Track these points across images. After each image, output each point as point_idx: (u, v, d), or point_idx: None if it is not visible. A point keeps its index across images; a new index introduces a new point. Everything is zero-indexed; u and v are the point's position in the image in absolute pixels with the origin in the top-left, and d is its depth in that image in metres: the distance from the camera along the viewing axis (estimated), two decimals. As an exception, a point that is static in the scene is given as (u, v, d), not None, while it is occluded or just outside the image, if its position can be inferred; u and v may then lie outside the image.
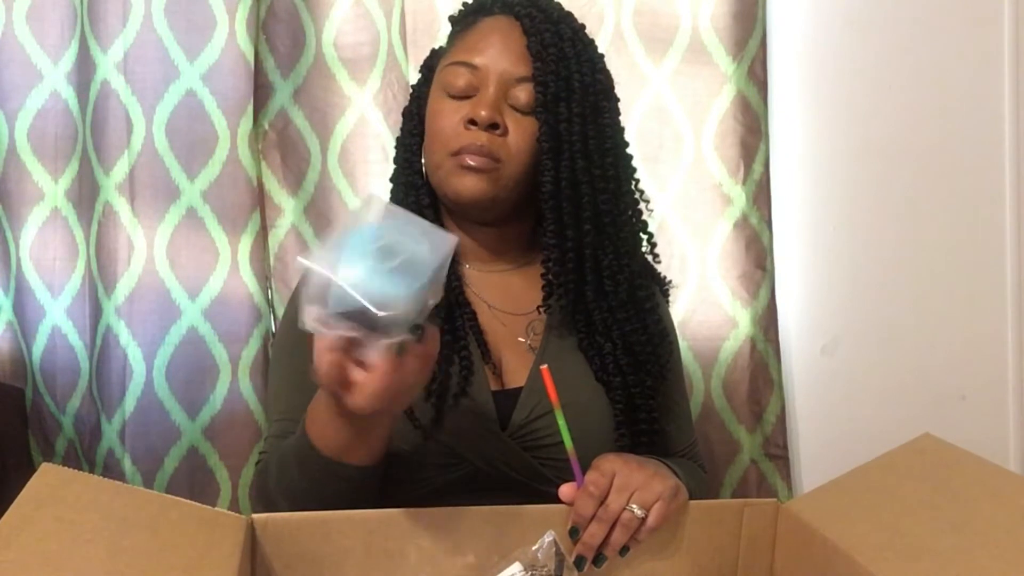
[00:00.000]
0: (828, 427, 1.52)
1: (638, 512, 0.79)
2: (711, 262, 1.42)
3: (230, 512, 0.75)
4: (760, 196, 1.43)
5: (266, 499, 0.89)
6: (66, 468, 0.69)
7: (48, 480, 0.67)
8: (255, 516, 0.76)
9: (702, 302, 1.42)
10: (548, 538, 0.78)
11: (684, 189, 1.41)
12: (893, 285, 1.54)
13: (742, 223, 1.42)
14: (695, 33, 1.40)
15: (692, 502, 0.84)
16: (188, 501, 0.73)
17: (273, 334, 1.35)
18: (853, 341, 1.53)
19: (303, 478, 0.83)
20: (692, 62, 1.40)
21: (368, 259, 0.65)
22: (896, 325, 1.54)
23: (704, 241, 1.42)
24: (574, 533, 0.79)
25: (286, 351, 0.98)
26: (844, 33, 1.50)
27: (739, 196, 1.41)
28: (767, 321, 1.43)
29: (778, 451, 1.44)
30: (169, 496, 0.73)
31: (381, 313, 0.64)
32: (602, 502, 0.79)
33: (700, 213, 1.42)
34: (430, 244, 0.67)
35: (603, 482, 0.80)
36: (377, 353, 0.66)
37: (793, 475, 1.48)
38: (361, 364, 0.68)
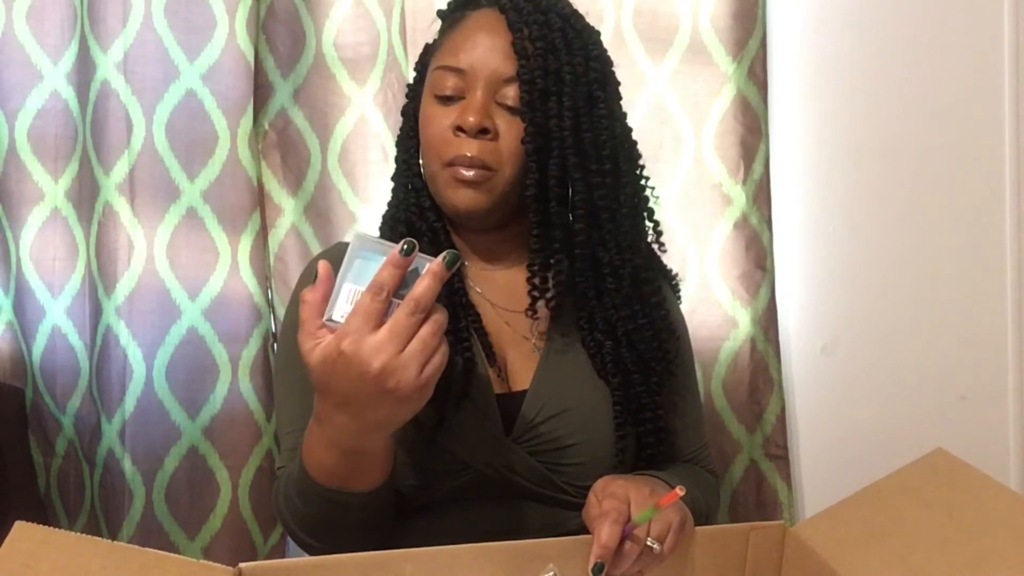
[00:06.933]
0: (828, 427, 1.52)
1: (656, 548, 0.78)
2: (711, 262, 1.42)
3: (216, 564, 0.72)
4: (760, 196, 1.42)
5: (284, 525, 0.88)
6: (40, 527, 0.65)
7: (21, 546, 0.63)
8: (243, 566, 0.72)
9: (702, 302, 1.42)
10: (549, 574, 0.76)
11: (684, 189, 1.41)
12: (893, 285, 1.54)
13: (742, 223, 1.42)
14: (695, 33, 1.40)
15: (698, 528, 0.82)
16: (172, 555, 0.70)
17: (274, 334, 1.35)
18: (853, 341, 1.53)
19: (307, 507, 0.82)
20: (692, 62, 1.40)
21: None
22: (896, 325, 1.54)
23: (704, 241, 1.42)
24: (599, 569, 0.76)
25: (291, 361, 0.94)
26: (844, 33, 1.50)
27: (739, 196, 1.41)
28: (767, 321, 1.43)
29: (778, 451, 1.44)
30: (151, 551, 0.69)
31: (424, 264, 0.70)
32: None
33: (700, 213, 1.42)
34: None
35: (624, 509, 0.78)
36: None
37: (793, 475, 1.48)
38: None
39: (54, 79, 1.30)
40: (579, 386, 0.94)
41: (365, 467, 0.79)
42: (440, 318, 0.70)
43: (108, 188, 1.26)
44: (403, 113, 1.02)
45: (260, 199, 1.35)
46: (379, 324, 0.69)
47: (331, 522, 0.83)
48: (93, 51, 1.26)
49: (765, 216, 1.43)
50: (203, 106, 1.28)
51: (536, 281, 0.93)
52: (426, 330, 0.69)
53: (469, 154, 0.89)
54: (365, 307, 0.69)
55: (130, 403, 1.26)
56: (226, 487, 1.30)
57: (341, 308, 0.71)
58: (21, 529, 0.65)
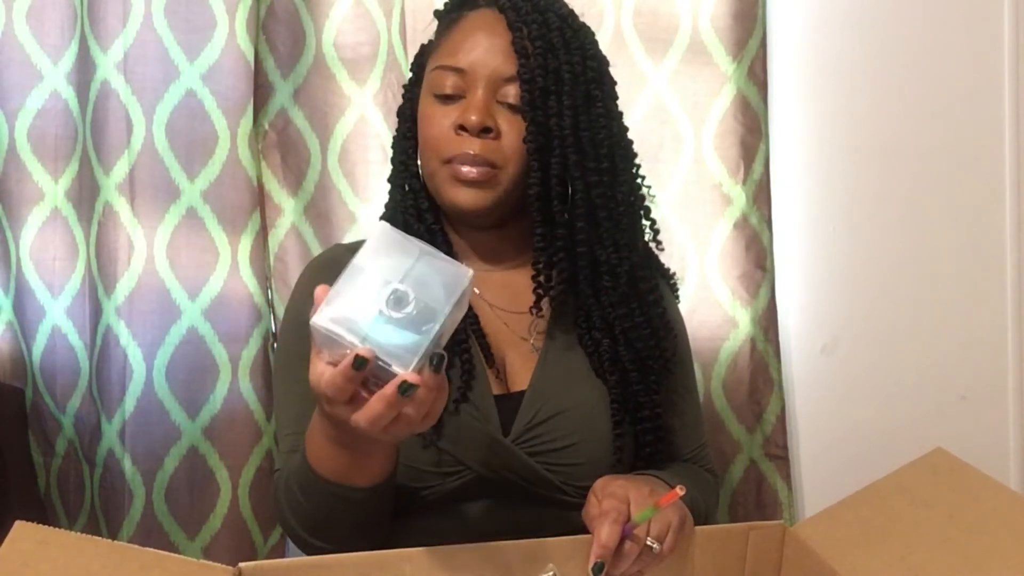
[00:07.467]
0: (828, 427, 1.52)
1: (655, 547, 0.78)
2: (711, 262, 1.42)
3: (216, 564, 0.72)
4: (760, 196, 1.42)
5: (284, 524, 0.88)
6: (40, 527, 0.65)
7: (21, 546, 0.63)
8: (243, 565, 0.72)
9: (702, 302, 1.42)
10: (548, 574, 0.76)
11: (684, 189, 1.41)
12: (893, 285, 1.54)
13: (742, 223, 1.42)
14: (695, 33, 1.40)
15: (698, 528, 0.82)
16: (172, 555, 0.70)
17: (274, 334, 1.35)
18: (853, 341, 1.53)
19: (309, 503, 0.83)
20: (692, 62, 1.40)
21: (379, 306, 0.65)
22: (896, 325, 1.54)
23: (704, 241, 1.42)
24: (599, 569, 0.75)
25: (290, 362, 0.94)
26: (844, 33, 1.50)
27: (739, 196, 1.41)
28: (767, 321, 1.43)
29: (778, 451, 1.44)
30: (151, 551, 0.69)
31: (392, 368, 0.64)
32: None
33: (700, 213, 1.42)
34: (443, 281, 0.67)
35: (624, 509, 0.78)
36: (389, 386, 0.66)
37: (793, 475, 1.48)
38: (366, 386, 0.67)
39: (54, 79, 1.30)
40: (577, 386, 0.94)
41: (368, 462, 0.79)
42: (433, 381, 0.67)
43: (108, 188, 1.26)
44: (399, 114, 1.02)
45: (260, 199, 1.35)
46: (358, 395, 0.67)
47: (330, 518, 0.83)
48: (93, 51, 1.26)
49: (765, 216, 1.43)
50: (203, 106, 1.28)
51: (541, 279, 0.93)
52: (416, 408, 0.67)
53: (472, 152, 0.89)
54: (339, 387, 0.66)
55: (130, 403, 1.26)
56: (226, 487, 1.30)
57: (329, 313, 0.66)
58: (21, 529, 0.65)
